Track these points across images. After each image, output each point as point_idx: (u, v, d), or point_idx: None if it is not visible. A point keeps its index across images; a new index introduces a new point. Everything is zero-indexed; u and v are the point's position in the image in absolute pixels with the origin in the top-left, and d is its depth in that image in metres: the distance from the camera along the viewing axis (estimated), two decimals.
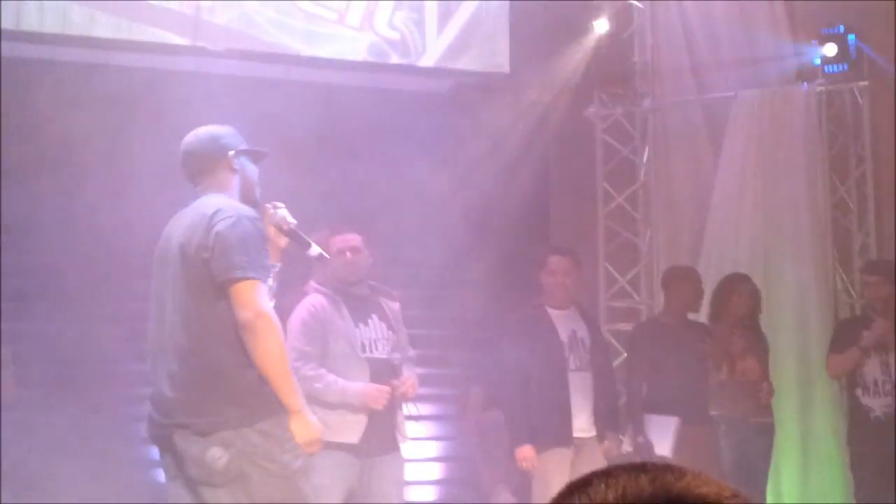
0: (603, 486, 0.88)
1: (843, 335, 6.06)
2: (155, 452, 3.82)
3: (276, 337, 3.46)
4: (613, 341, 6.68)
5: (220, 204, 3.56)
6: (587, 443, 5.52)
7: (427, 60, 7.00)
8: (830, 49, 7.04)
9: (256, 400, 3.45)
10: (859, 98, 7.15)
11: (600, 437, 5.56)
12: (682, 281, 6.03)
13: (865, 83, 7.09)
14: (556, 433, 5.44)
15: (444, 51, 6.99)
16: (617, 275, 7.11)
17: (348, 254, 4.92)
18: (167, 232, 3.70)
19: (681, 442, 5.60)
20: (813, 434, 6.55)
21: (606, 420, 5.60)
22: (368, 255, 5.00)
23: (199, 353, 3.48)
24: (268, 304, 3.48)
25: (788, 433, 6.37)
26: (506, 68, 7.07)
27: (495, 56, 7.08)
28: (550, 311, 5.67)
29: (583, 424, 5.53)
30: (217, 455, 3.42)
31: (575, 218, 7.20)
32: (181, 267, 3.53)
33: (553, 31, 7.02)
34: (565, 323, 5.66)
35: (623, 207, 7.19)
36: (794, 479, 6.48)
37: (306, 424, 3.52)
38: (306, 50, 6.67)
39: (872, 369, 5.92)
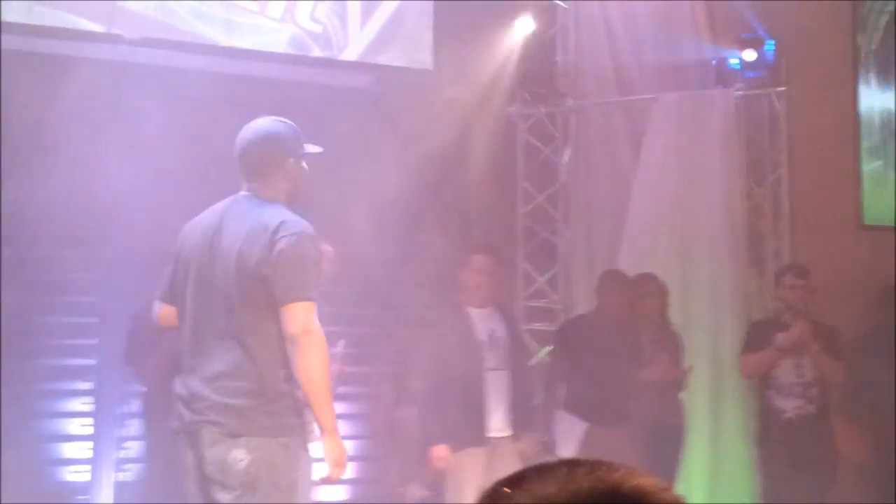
0: (540, 480, 0.89)
1: (756, 337, 6.13)
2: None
3: (323, 355, 3.55)
4: (531, 341, 6.68)
5: (282, 216, 3.58)
6: (502, 443, 5.51)
7: (349, 54, 6.93)
8: (749, 54, 7.13)
9: (288, 415, 3.57)
10: (777, 103, 7.25)
11: (516, 437, 5.55)
12: (613, 285, 6.06)
13: (783, 89, 7.19)
14: (471, 433, 5.43)
15: (366, 45, 6.92)
16: (535, 274, 7.11)
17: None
18: (212, 226, 3.67)
19: (590, 443, 5.62)
20: (723, 435, 6.63)
21: (522, 420, 5.60)
22: None
23: (248, 363, 3.55)
24: (317, 324, 3.54)
25: (698, 433, 6.45)
26: (429, 64, 7.02)
27: (419, 52, 7.03)
28: (470, 309, 5.65)
29: (499, 424, 5.52)
30: (240, 457, 3.51)
31: (495, 217, 7.19)
32: (237, 275, 3.56)
33: (477, 28, 6.99)
34: (484, 322, 5.64)
35: (543, 207, 7.20)
36: (704, 480, 6.56)
37: (338, 445, 3.59)
38: (225, 40, 6.55)
39: (786, 371, 6.00)
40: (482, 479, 5.46)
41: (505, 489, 0.90)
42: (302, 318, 3.50)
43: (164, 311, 3.88)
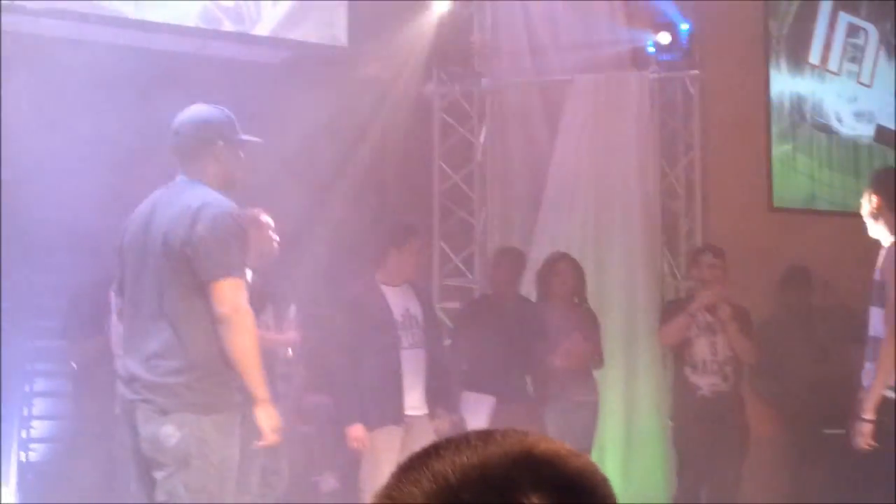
0: (454, 449, 0.89)
1: (673, 312, 6.22)
2: None
3: (252, 332, 3.68)
4: (446, 319, 6.63)
5: (205, 197, 3.67)
6: (418, 420, 5.46)
7: (262, 29, 6.79)
8: (664, 37, 7.18)
9: (220, 393, 3.66)
10: (690, 87, 7.32)
11: (432, 414, 5.51)
12: (504, 263, 6.08)
13: (696, 72, 7.26)
14: (387, 411, 5.37)
15: (279, 20, 6.79)
16: (451, 253, 7.07)
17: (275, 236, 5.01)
18: (145, 213, 3.77)
19: (497, 420, 5.62)
20: (637, 411, 6.68)
21: (438, 398, 5.56)
22: None
23: (178, 342, 3.64)
24: (245, 301, 3.66)
25: (613, 410, 6.49)
26: (343, 41, 6.92)
27: (332, 28, 6.92)
28: (384, 288, 5.59)
29: (415, 402, 5.48)
30: (170, 433, 3.59)
31: (411, 196, 7.12)
32: (165, 258, 3.66)
33: (393, 6, 6.90)
34: (399, 300, 5.59)
35: (459, 187, 7.15)
36: (618, 456, 6.60)
37: (272, 413, 3.76)
38: (135, 13, 6.36)
39: (701, 349, 6.08)
40: (399, 458, 5.40)
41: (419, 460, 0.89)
42: (228, 296, 3.60)
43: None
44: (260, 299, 5.08)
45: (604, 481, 0.91)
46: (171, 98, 6.29)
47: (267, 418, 3.73)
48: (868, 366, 4.54)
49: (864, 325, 4.67)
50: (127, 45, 6.40)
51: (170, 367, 3.65)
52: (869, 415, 4.40)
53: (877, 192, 4.58)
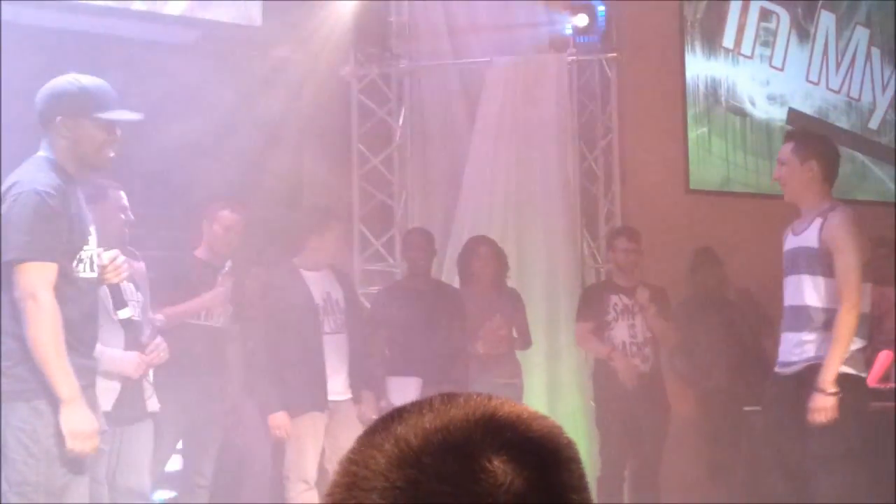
0: (417, 412, 0.89)
1: (590, 304, 6.22)
2: None
3: (46, 323, 3.33)
4: (367, 304, 6.55)
5: (19, 175, 3.45)
6: (342, 406, 5.41)
7: (174, 9, 6.59)
8: (581, 20, 7.17)
9: (37, 378, 3.35)
10: (608, 69, 7.34)
11: (356, 399, 5.45)
12: (413, 242, 6.03)
13: (614, 55, 7.28)
14: (310, 398, 5.29)
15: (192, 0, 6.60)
16: (371, 237, 6.99)
17: (121, 214, 4.71)
18: None
19: None
20: (559, 392, 6.70)
21: (362, 382, 5.49)
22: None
23: None
24: (43, 288, 3.35)
25: (535, 392, 6.49)
26: (258, 21, 6.76)
27: (246, 8, 6.76)
28: (304, 272, 5.49)
29: (338, 387, 5.42)
30: None
31: (329, 179, 7.00)
32: None
33: None
34: (319, 284, 5.51)
35: (378, 170, 7.06)
36: None
37: (75, 415, 3.36)
38: None
39: (620, 332, 6.11)
40: (323, 443, 5.33)
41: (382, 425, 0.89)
42: (23, 281, 3.34)
43: None
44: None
45: (568, 444, 0.90)
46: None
47: (66, 421, 3.34)
48: (791, 336, 4.41)
49: (775, 302, 4.63)
50: (29, 24, 6.17)
51: None
52: (832, 388, 4.19)
53: (814, 157, 4.43)
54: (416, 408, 0.89)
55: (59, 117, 3.50)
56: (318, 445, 5.30)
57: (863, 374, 4.43)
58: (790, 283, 4.47)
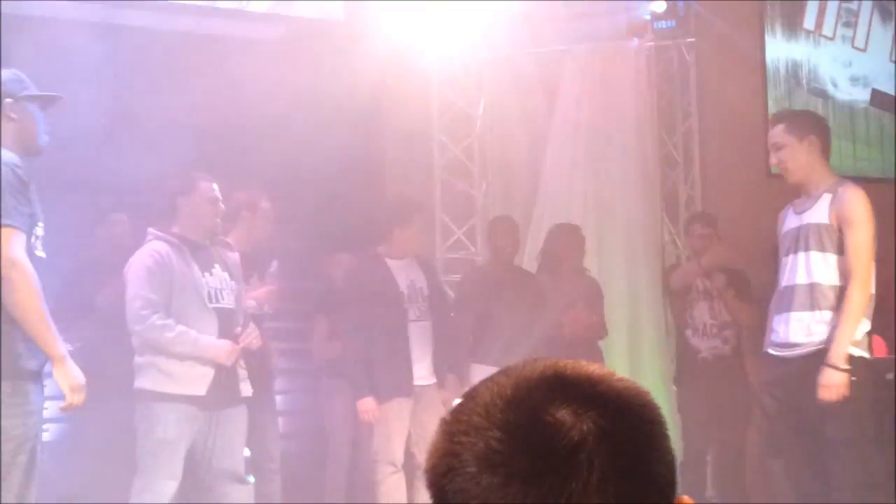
0: (502, 374, 0.97)
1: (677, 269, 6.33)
2: None
3: (31, 286, 3.48)
4: (449, 292, 6.66)
5: None
6: (427, 390, 5.53)
7: (258, 6, 6.77)
8: (659, 5, 7.19)
9: (6, 358, 3.46)
10: (686, 54, 7.34)
11: (440, 384, 5.57)
12: (498, 230, 6.11)
13: (692, 40, 7.28)
14: (396, 384, 5.43)
15: None
16: (453, 226, 7.10)
17: (212, 205, 4.83)
18: None
19: None
20: (641, 377, 6.73)
21: (446, 368, 5.62)
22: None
23: None
24: (22, 254, 3.49)
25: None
26: (340, 16, 6.90)
27: (329, 4, 6.91)
28: (389, 261, 5.62)
29: (423, 373, 5.54)
30: None
31: (411, 170, 7.13)
32: None
33: None
34: (403, 273, 5.63)
35: (459, 159, 7.17)
36: None
37: (69, 372, 3.56)
38: None
39: (701, 312, 6.15)
40: (408, 428, 5.47)
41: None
42: (4, 245, 3.45)
43: None
44: (247, 268, 5.12)
45: (643, 405, 0.94)
46: (166, 77, 6.32)
47: (64, 377, 3.54)
48: (796, 315, 4.26)
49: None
50: (122, 25, 6.38)
51: None
52: (844, 364, 4.07)
53: (812, 132, 4.33)
54: (506, 369, 0.98)
55: (7, 99, 3.68)
56: (404, 429, 5.44)
57: (870, 357, 4.27)
58: (792, 262, 4.31)
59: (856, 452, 4.17)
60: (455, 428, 0.94)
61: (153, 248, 4.70)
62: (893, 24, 8.06)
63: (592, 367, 0.97)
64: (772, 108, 7.71)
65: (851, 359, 4.13)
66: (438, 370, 5.61)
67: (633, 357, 6.72)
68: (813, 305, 4.23)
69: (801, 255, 4.27)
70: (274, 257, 5.62)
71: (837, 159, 7.79)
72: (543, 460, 0.89)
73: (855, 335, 4.15)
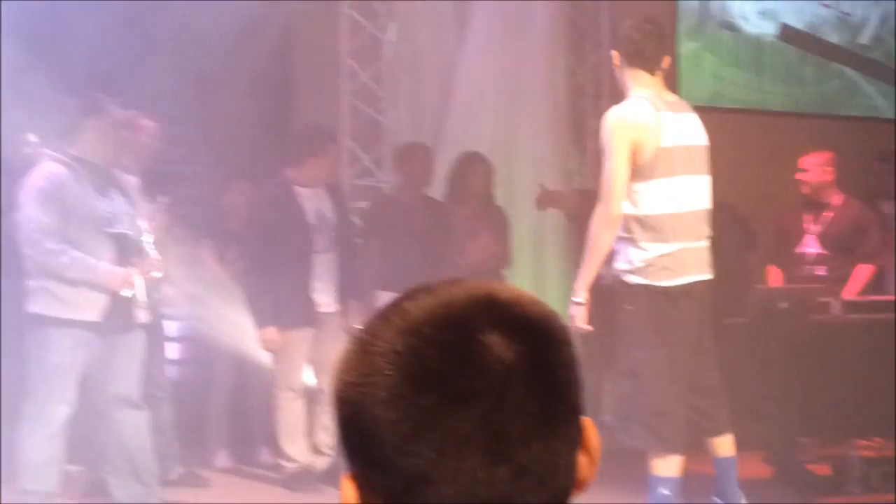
0: (425, 292, 0.96)
1: None
2: None
3: None
4: (355, 220, 6.63)
5: None
6: (330, 318, 5.53)
7: None
8: None
9: None
10: None
11: (343, 311, 5.57)
12: (411, 157, 6.08)
13: None
14: (299, 313, 5.42)
15: None
16: (361, 153, 7.03)
17: (118, 131, 4.72)
18: None
19: None
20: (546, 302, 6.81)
21: (350, 295, 5.61)
22: None
23: None
24: None
25: None
26: None
27: None
28: (298, 189, 5.56)
29: (328, 300, 5.53)
30: None
31: (319, 95, 7.02)
32: None
33: None
34: (312, 202, 5.60)
35: (368, 85, 7.07)
36: None
37: None
38: None
39: None
40: (310, 356, 5.47)
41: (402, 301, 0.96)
42: None
43: None
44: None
45: (561, 328, 0.96)
46: None
47: None
48: None
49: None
50: None
51: None
52: (578, 296, 4.31)
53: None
54: (424, 288, 0.96)
55: None
56: (305, 356, 5.45)
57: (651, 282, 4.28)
58: None
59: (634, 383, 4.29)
60: (379, 346, 0.92)
61: (48, 170, 4.57)
62: None
63: (517, 290, 0.98)
64: (682, 40, 7.73)
65: (626, 286, 4.26)
66: (343, 298, 5.60)
67: (538, 287, 6.78)
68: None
69: None
70: (168, 181, 5.49)
71: (744, 92, 7.89)
72: (482, 380, 0.89)
73: (634, 261, 4.22)
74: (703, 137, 4.40)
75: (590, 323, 5.62)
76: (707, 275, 4.34)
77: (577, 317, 4.23)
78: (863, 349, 5.32)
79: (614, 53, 4.39)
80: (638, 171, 4.16)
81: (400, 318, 0.93)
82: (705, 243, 4.35)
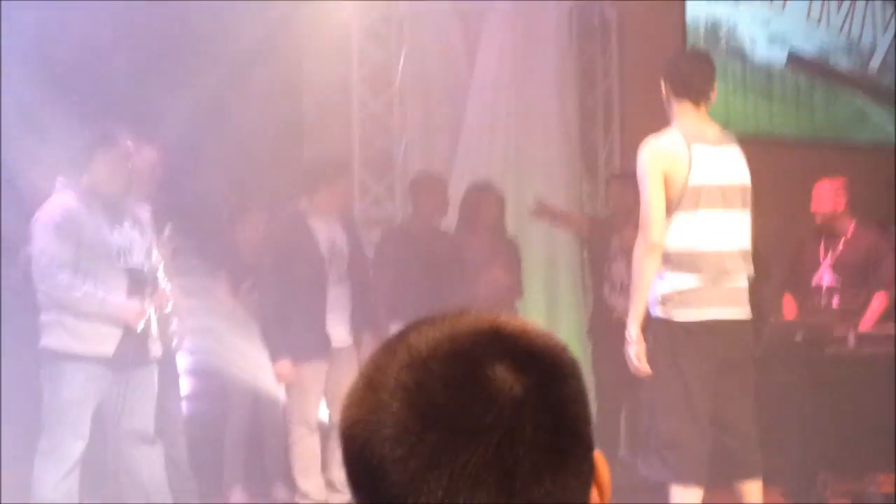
0: (429, 324, 0.94)
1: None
2: None
3: None
4: (369, 250, 6.61)
5: None
6: (344, 352, 5.49)
7: None
8: None
9: None
10: (607, 12, 7.32)
11: (357, 344, 5.54)
12: (427, 188, 6.06)
13: None
14: (313, 346, 5.39)
15: None
16: (371, 182, 7.02)
17: (128, 162, 4.70)
18: None
19: None
20: (559, 334, 6.79)
21: (364, 327, 5.58)
22: None
23: None
24: None
25: None
26: None
27: None
28: (310, 220, 5.54)
29: (341, 334, 5.50)
30: None
31: (330, 124, 7.02)
32: None
33: None
34: (325, 233, 5.57)
35: (378, 114, 7.07)
36: None
37: None
38: None
39: (619, 271, 6.16)
40: (324, 389, 5.44)
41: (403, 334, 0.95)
42: None
43: None
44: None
45: (570, 361, 0.95)
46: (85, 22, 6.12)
47: None
48: None
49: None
50: None
51: None
52: (632, 336, 4.21)
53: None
54: (429, 320, 0.95)
55: None
56: (320, 390, 5.42)
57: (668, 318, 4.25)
58: None
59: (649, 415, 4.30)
60: (385, 382, 0.91)
61: (61, 203, 4.56)
62: None
63: (523, 322, 0.96)
64: None
65: (648, 320, 4.19)
66: (356, 331, 5.58)
67: (550, 318, 6.75)
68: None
69: None
70: (180, 212, 5.47)
71: (754, 119, 7.89)
72: (490, 414, 0.88)
73: (655, 293, 4.17)
74: (740, 173, 4.34)
75: (608, 355, 5.64)
76: (740, 314, 4.29)
77: (633, 357, 4.16)
78: (881, 381, 5.29)
79: (662, 83, 4.34)
80: (666, 203, 4.15)
81: (405, 352, 0.92)
82: (738, 283, 4.29)
